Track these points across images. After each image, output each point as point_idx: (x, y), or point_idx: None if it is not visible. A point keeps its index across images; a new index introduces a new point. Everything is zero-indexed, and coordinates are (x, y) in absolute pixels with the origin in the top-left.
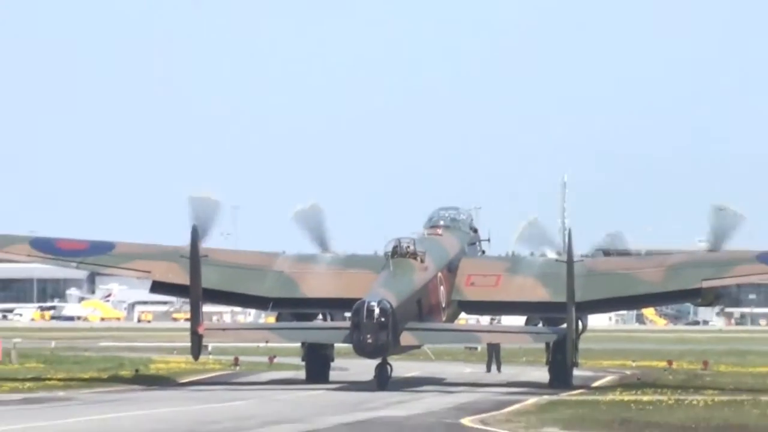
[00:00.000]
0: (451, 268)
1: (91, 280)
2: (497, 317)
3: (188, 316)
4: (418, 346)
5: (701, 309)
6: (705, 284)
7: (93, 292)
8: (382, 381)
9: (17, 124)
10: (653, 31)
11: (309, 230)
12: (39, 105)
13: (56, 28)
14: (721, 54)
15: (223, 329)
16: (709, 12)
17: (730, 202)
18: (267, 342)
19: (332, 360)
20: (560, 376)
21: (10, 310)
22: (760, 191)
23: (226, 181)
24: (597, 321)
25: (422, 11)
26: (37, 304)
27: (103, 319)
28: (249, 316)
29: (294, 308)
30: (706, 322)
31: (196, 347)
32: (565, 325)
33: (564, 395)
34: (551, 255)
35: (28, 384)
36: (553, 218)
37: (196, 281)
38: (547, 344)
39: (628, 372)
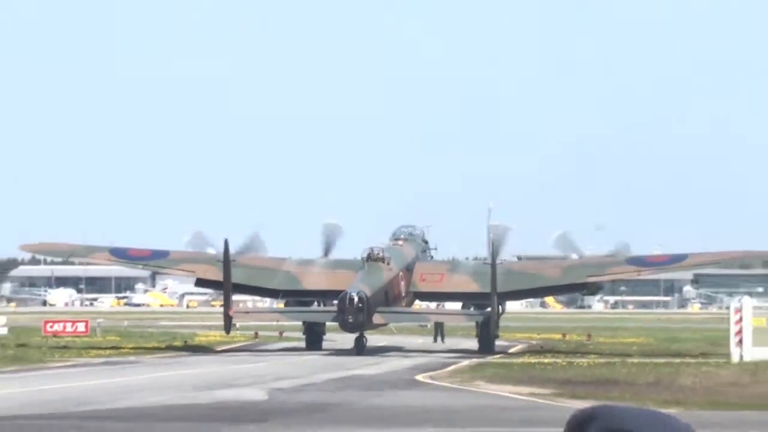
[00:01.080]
0: (409, 269)
1: (153, 277)
2: (442, 303)
3: (222, 303)
4: (385, 324)
5: (587, 297)
6: (589, 279)
7: (154, 286)
8: (360, 349)
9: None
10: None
11: (326, 238)
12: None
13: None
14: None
15: (247, 312)
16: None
17: (609, 222)
18: (278, 321)
19: (324, 334)
20: (486, 345)
21: (95, 299)
22: (637, 213)
23: (252, 205)
24: (512, 306)
25: (363, 62)
26: (114, 295)
27: (161, 306)
28: (265, 303)
29: (297, 297)
30: (590, 306)
31: (228, 325)
32: (489, 309)
33: (489, 359)
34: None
35: (108, 351)
36: (481, 233)
37: (227, 278)
38: (477, 322)
39: (533, 342)
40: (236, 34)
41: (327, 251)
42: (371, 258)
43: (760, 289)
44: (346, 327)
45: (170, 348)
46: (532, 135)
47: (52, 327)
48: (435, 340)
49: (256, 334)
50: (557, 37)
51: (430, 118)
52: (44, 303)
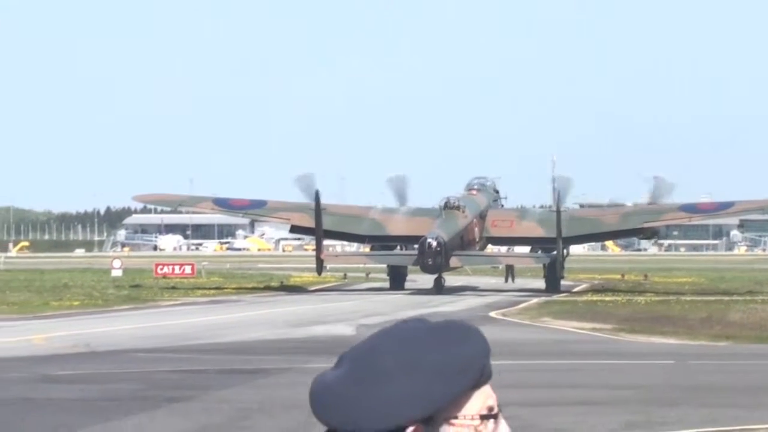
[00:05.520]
0: (482, 216)
1: (252, 224)
2: (512, 247)
3: (315, 247)
4: (461, 266)
5: (643, 241)
6: (646, 225)
7: (253, 232)
8: (439, 288)
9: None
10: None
11: (395, 191)
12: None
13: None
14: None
15: (336, 255)
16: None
17: (663, 172)
18: (365, 264)
19: (406, 275)
20: (552, 285)
21: (200, 244)
22: (690, 162)
23: (340, 158)
24: (576, 249)
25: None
26: (217, 240)
27: (259, 250)
28: (353, 247)
29: (382, 242)
30: (645, 249)
31: (320, 267)
32: (555, 252)
33: (555, 297)
34: (547, 206)
35: (212, 291)
36: (547, 184)
37: (319, 225)
38: (544, 264)
39: (595, 282)
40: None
41: (401, 201)
42: (448, 206)
43: None
44: (426, 269)
45: (268, 288)
46: (591, 90)
47: (162, 269)
48: (506, 280)
49: (345, 275)
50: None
51: (500, 80)
52: (155, 248)
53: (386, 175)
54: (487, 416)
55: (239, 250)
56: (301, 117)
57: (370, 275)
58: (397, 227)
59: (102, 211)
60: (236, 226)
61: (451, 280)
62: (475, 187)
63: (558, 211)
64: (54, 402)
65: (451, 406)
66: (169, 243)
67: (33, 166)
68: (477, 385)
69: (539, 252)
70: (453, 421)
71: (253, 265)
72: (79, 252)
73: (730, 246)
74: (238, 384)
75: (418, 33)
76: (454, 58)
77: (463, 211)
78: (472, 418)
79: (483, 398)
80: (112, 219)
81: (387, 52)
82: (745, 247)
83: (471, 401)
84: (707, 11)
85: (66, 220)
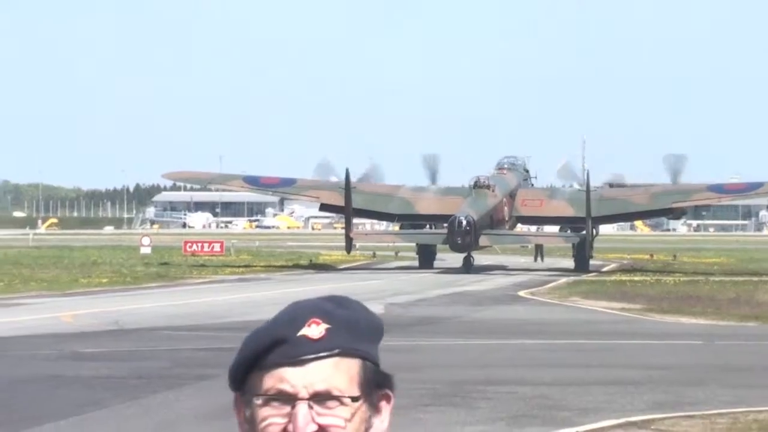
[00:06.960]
0: (511, 195)
1: (282, 202)
2: (541, 226)
3: (344, 225)
4: (490, 246)
5: (672, 221)
6: (675, 205)
7: (282, 210)
8: (468, 267)
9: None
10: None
11: (428, 168)
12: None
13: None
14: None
15: (366, 234)
16: None
17: (685, 152)
18: (394, 243)
19: (435, 254)
20: (581, 265)
21: (230, 222)
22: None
23: (369, 136)
24: (605, 229)
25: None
26: (246, 218)
27: (288, 228)
28: (382, 225)
29: (411, 221)
30: (674, 229)
31: (349, 246)
32: (584, 232)
33: (584, 277)
34: (576, 186)
35: (241, 269)
36: (577, 163)
37: (349, 203)
38: (573, 244)
39: (624, 262)
40: None
41: (433, 179)
42: (478, 185)
43: None
44: (455, 248)
45: (297, 266)
46: (621, 70)
47: (191, 247)
48: (535, 259)
49: (374, 254)
50: None
51: (531, 60)
52: (184, 225)
53: (417, 155)
54: (269, 398)
55: (268, 228)
56: (331, 95)
57: (399, 254)
58: (427, 206)
59: (131, 188)
60: (266, 204)
61: (480, 259)
62: (505, 166)
63: (588, 191)
64: (82, 379)
65: (247, 382)
66: (198, 220)
67: (62, 143)
68: (263, 366)
69: (568, 231)
70: (242, 396)
71: (282, 243)
72: (108, 229)
73: (759, 226)
74: None
75: (449, 11)
76: (485, 38)
77: (493, 191)
78: (254, 396)
79: (272, 380)
80: (142, 196)
81: (417, 32)
82: None
83: (257, 380)
84: None
85: (95, 197)
